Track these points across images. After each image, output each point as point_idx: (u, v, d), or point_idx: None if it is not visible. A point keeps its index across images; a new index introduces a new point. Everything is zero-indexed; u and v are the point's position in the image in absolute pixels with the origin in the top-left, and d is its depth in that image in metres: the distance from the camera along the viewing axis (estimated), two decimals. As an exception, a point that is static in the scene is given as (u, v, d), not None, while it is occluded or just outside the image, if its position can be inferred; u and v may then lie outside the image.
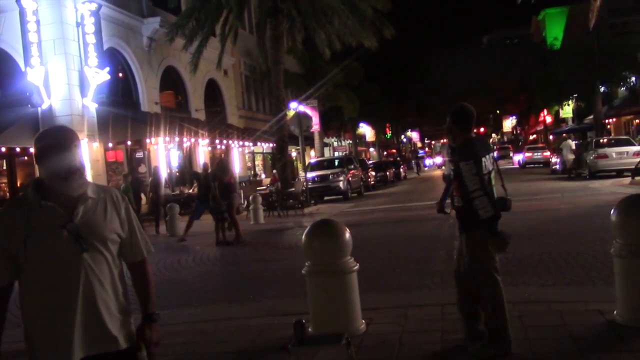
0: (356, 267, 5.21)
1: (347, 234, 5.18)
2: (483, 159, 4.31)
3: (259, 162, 36.06)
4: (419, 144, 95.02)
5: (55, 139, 2.44)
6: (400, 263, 8.87)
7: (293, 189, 20.99)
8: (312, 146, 35.49)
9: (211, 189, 13.18)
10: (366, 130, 54.67)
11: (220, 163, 14.42)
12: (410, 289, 7.18)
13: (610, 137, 30.46)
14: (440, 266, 8.25)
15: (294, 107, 25.87)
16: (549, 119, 52.68)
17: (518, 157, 44.88)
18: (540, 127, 56.11)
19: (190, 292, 8.28)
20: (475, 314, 4.53)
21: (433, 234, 11.52)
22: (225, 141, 25.26)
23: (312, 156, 34.87)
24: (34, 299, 2.39)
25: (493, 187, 4.42)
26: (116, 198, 2.58)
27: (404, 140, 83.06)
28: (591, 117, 38.34)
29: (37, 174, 2.56)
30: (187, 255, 11.87)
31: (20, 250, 2.36)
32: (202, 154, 25.88)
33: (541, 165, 38.58)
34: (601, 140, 25.37)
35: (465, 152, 4.32)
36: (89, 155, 18.70)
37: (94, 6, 18.94)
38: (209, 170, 14.88)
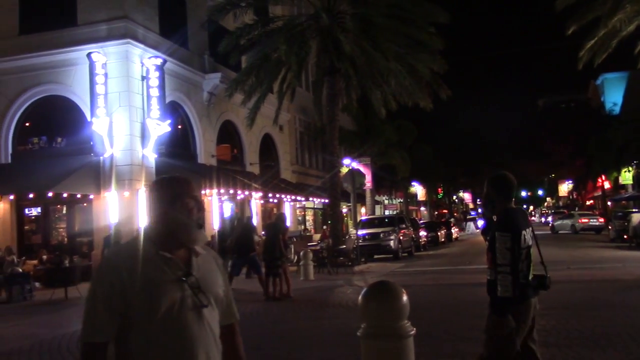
0: (413, 332, 5.06)
1: (405, 297, 5.05)
2: (523, 232, 4.05)
3: (309, 217, 36.13)
4: (471, 205, 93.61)
5: (189, 187, 2.34)
6: (455, 329, 8.59)
7: (344, 246, 20.84)
8: (363, 203, 35.41)
9: (278, 241, 13.23)
10: (418, 189, 54.39)
11: (282, 216, 14.51)
12: (466, 358, 6.92)
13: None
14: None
15: (347, 163, 25.98)
16: (607, 185, 51.30)
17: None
18: (598, 193, 54.62)
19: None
20: None
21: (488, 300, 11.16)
22: (277, 195, 25.47)
23: (363, 213, 34.73)
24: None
25: (530, 263, 4.12)
26: (215, 254, 2.45)
27: (456, 200, 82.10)
28: (652, 184, 37.22)
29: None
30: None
31: (135, 304, 2.12)
32: (255, 207, 26.11)
33: (593, 232, 37.78)
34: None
35: (504, 223, 4.06)
36: (147, 205, 19.09)
37: (159, 61, 19.74)
38: (244, 221, 15.16)
